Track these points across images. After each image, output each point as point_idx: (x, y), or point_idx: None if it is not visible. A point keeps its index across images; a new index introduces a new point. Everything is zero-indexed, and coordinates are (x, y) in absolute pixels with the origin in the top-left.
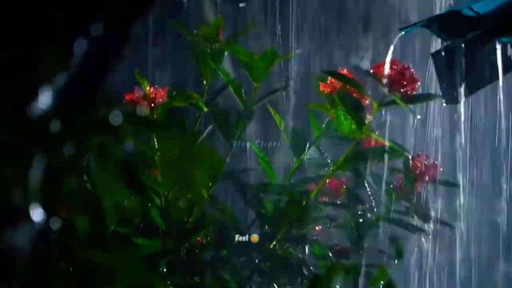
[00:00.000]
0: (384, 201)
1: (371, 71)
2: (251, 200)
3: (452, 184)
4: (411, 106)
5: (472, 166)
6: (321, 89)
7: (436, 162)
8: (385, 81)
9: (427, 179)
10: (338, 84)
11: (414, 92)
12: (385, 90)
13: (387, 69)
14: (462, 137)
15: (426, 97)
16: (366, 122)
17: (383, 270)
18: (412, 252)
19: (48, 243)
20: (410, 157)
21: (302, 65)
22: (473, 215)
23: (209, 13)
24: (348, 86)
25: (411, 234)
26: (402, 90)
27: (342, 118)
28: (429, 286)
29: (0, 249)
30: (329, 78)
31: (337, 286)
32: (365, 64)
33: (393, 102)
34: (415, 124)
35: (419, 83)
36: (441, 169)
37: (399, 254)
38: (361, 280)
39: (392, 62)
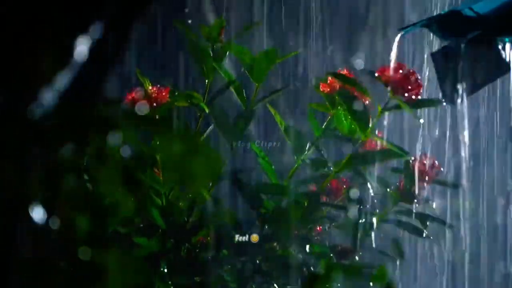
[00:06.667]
0: (385, 202)
1: (376, 75)
2: (251, 200)
3: (452, 185)
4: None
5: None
6: (321, 89)
7: (436, 162)
8: (390, 85)
9: (427, 180)
10: (337, 84)
11: (419, 97)
12: (390, 94)
13: (392, 73)
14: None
15: (430, 102)
16: (370, 125)
17: (382, 270)
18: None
19: (48, 243)
20: (410, 158)
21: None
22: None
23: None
24: (348, 87)
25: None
26: (406, 94)
27: (342, 118)
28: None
29: (0, 248)
30: (329, 78)
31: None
32: (360, 64)
33: (397, 106)
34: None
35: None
36: (442, 169)
37: (400, 254)
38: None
39: (398, 66)
